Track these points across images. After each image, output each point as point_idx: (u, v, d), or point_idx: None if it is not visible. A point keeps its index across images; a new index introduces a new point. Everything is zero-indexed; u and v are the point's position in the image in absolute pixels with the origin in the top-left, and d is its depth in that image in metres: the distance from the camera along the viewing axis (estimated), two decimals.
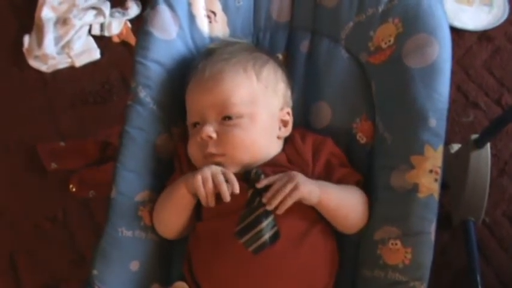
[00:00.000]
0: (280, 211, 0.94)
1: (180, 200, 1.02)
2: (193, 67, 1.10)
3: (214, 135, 1.00)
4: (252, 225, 0.96)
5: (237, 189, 0.95)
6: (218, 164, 1.00)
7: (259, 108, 1.03)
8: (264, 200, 0.95)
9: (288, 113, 1.09)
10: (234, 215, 0.97)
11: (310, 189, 0.96)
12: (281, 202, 0.94)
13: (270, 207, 0.95)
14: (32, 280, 1.55)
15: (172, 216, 1.04)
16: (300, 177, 0.96)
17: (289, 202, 0.94)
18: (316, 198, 0.97)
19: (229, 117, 1.01)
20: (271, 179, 0.97)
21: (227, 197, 0.95)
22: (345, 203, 1.01)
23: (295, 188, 0.94)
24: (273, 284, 0.96)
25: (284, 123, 1.08)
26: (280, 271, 0.96)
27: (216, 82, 1.03)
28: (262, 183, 0.96)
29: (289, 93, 1.11)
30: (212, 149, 1.00)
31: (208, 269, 1.00)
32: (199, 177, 0.96)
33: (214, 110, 1.02)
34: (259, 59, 1.08)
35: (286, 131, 1.08)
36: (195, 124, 1.05)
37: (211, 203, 0.97)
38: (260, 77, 1.05)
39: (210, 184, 0.96)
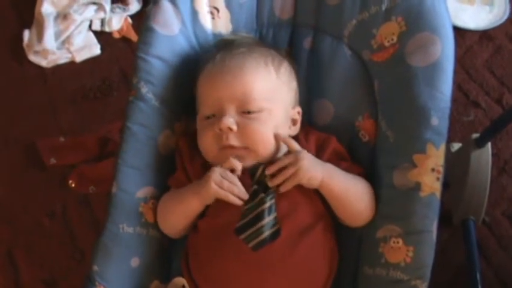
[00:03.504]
0: (281, 191, 0.98)
1: (191, 209, 1.02)
2: (208, 58, 1.09)
3: (234, 127, 0.99)
4: (253, 222, 0.96)
5: (244, 195, 0.98)
6: (236, 156, 1.00)
7: (276, 104, 1.03)
8: (267, 172, 0.98)
9: (299, 112, 1.09)
10: (236, 212, 0.98)
11: (311, 176, 0.98)
12: (283, 182, 0.98)
13: (271, 184, 0.98)
14: (31, 276, 1.55)
15: (181, 222, 1.05)
16: (304, 162, 0.98)
17: (289, 186, 0.98)
18: (317, 184, 0.99)
19: (248, 111, 1.01)
20: (280, 163, 0.99)
21: (238, 202, 0.97)
22: (350, 189, 1.01)
23: (295, 174, 0.97)
24: (271, 280, 0.96)
25: (294, 122, 1.08)
26: (279, 267, 0.96)
27: (236, 75, 1.02)
28: (271, 170, 0.98)
29: (298, 92, 1.11)
30: (233, 142, 0.99)
31: (207, 265, 1.00)
32: (213, 185, 0.97)
33: (234, 103, 1.01)
34: (277, 56, 1.08)
35: (295, 130, 1.08)
36: (208, 116, 1.04)
37: (244, 196, 0.98)
38: (279, 73, 1.05)
39: (226, 183, 0.97)
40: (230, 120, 0.99)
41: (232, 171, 0.99)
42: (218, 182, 0.97)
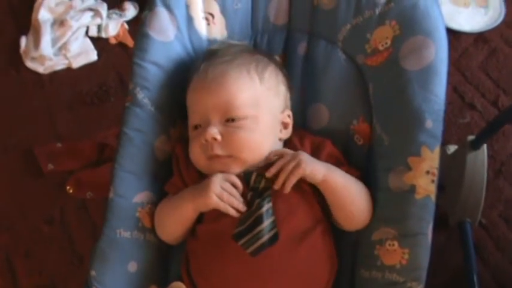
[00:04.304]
0: (286, 190, 0.97)
1: (186, 215, 1.03)
2: (195, 68, 1.09)
3: (218, 137, 1.00)
4: (252, 227, 0.96)
5: (243, 208, 0.98)
6: (223, 165, 1.01)
7: (262, 110, 1.03)
8: (268, 174, 0.98)
9: (289, 116, 1.09)
10: (234, 217, 0.98)
11: (313, 168, 0.98)
12: (285, 181, 0.97)
13: (276, 187, 0.98)
14: (30, 282, 1.55)
15: (178, 228, 1.05)
16: (303, 156, 0.98)
17: (293, 180, 0.97)
18: (321, 177, 0.99)
19: (232, 119, 1.01)
20: (279, 163, 0.99)
21: (236, 214, 0.98)
22: (351, 187, 1.02)
23: (297, 166, 0.97)
24: (271, 285, 0.96)
25: (285, 125, 1.08)
26: (278, 272, 0.96)
27: (219, 84, 1.03)
28: (272, 171, 0.98)
29: (289, 95, 1.11)
30: (218, 151, 1.00)
31: (207, 270, 1.00)
32: (213, 197, 0.97)
33: (218, 112, 1.02)
34: (261, 62, 1.08)
35: (287, 133, 1.09)
36: (196, 126, 1.05)
37: (242, 208, 0.98)
38: (263, 79, 1.05)
39: (226, 195, 0.97)
40: (214, 131, 1.00)
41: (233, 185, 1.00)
42: (219, 193, 0.97)
